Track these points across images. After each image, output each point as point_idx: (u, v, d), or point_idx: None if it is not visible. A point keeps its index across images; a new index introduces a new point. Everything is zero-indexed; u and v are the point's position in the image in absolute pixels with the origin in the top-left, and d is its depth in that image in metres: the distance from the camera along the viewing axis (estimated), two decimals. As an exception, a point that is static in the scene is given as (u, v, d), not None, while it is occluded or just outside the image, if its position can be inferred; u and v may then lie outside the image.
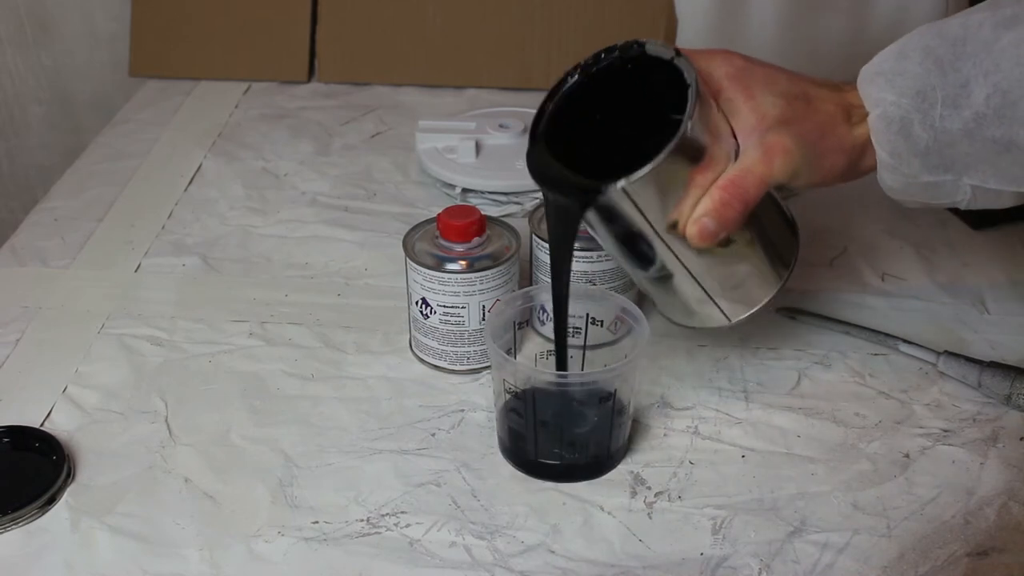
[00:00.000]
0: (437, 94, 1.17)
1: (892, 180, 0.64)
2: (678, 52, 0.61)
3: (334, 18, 1.20)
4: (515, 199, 0.95)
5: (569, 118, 0.64)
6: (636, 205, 0.60)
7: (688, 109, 0.58)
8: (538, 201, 0.93)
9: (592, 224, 0.63)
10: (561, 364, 0.66)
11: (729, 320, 0.68)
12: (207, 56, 1.21)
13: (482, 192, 0.96)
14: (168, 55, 1.22)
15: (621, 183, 0.58)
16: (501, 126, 1.01)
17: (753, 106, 0.61)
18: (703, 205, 0.60)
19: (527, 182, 0.94)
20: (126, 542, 0.62)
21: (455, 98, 1.16)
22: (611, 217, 0.61)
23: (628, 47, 0.63)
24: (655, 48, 0.62)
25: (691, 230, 0.60)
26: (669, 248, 0.63)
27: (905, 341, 0.77)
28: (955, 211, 0.94)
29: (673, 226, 0.61)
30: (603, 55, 0.64)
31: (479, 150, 0.98)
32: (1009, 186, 0.62)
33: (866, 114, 0.63)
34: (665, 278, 0.65)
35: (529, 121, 1.01)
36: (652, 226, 0.61)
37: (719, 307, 0.67)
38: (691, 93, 0.58)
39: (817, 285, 0.85)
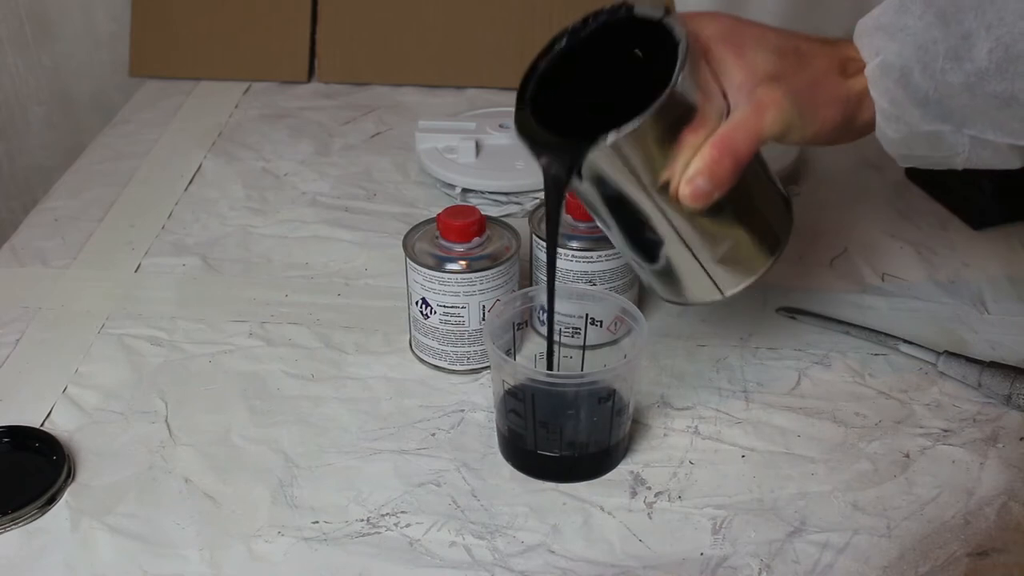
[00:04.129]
0: (437, 94, 1.17)
1: (892, 131, 0.63)
2: (667, 11, 0.59)
3: (334, 18, 1.20)
4: (515, 199, 0.95)
5: (557, 84, 0.63)
6: (626, 163, 0.58)
7: (678, 63, 0.57)
8: (538, 201, 0.93)
9: (584, 192, 0.62)
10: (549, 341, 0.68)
11: (722, 293, 0.66)
12: (207, 56, 1.21)
13: (482, 192, 0.96)
14: (168, 55, 1.22)
15: (610, 138, 0.57)
16: (501, 126, 1.01)
17: (743, 63, 0.60)
18: (695, 164, 0.59)
19: (527, 182, 0.95)
20: (126, 542, 0.62)
21: (455, 98, 1.16)
22: (601, 179, 0.60)
23: (616, 9, 0.62)
24: (643, 10, 0.61)
25: (684, 191, 0.59)
26: (661, 212, 0.61)
27: (905, 341, 0.77)
28: (955, 211, 0.94)
29: (665, 187, 0.60)
30: (591, 19, 0.62)
31: (479, 150, 0.98)
32: (1008, 138, 0.61)
33: (862, 66, 0.62)
34: (656, 248, 0.64)
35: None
36: (643, 186, 0.60)
37: (712, 279, 0.65)
38: (680, 48, 0.57)
39: (817, 285, 0.85)
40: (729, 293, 0.66)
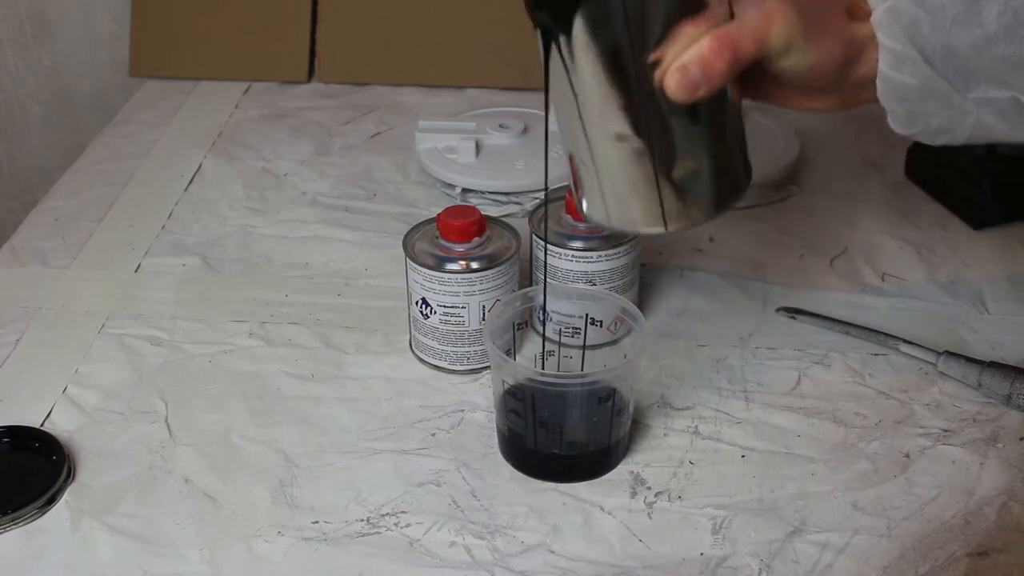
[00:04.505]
0: (437, 94, 1.17)
1: (908, 75, 0.61)
2: None
3: (334, 18, 1.20)
4: (515, 199, 0.95)
5: None
6: (625, 19, 0.56)
7: None
8: (538, 201, 0.93)
9: (568, 49, 0.58)
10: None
11: (665, 224, 0.62)
12: (207, 56, 1.21)
13: (482, 192, 0.96)
14: (168, 55, 1.22)
15: None
16: (501, 126, 1.01)
17: None
18: (691, 51, 0.56)
19: (527, 182, 0.95)
20: (126, 542, 0.62)
21: (455, 98, 1.16)
22: (592, 34, 0.57)
23: None
24: None
25: (671, 77, 0.56)
26: (639, 96, 0.59)
27: (905, 341, 0.77)
28: (955, 211, 0.94)
29: (652, 68, 0.57)
30: None
31: (479, 150, 0.98)
32: (1015, 92, 0.60)
33: (869, 12, 0.61)
34: (617, 144, 0.60)
35: (529, 121, 1.01)
36: (633, 56, 0.57)
37: (661, 201, 0.61)
38: None
39: (817, 285, 0.85)
40: (672, 226, 0.62)
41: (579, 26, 0.57)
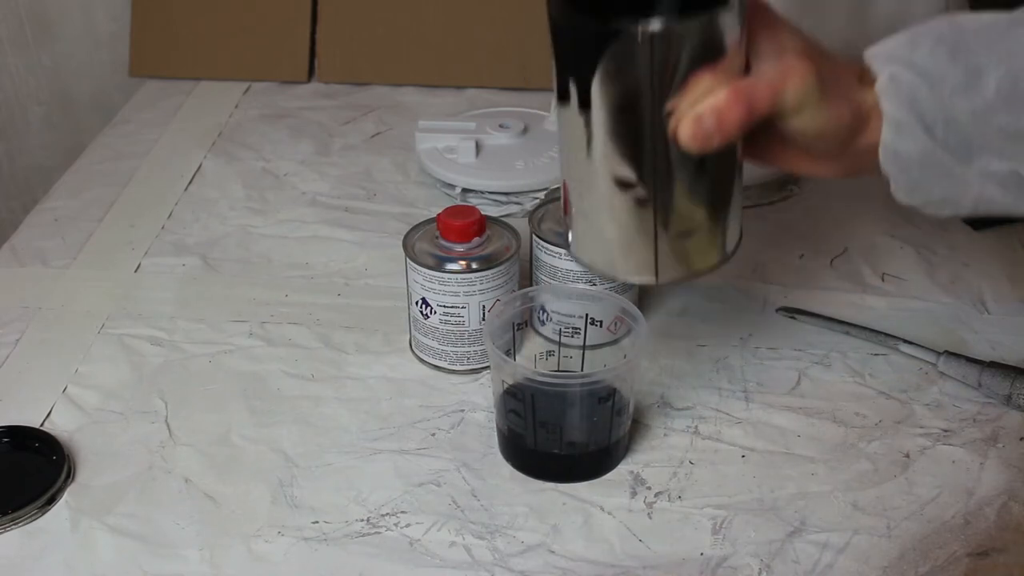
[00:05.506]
0: (437, 94, 1.17)
1: (911, 143, 0.60)
2: None
3: (334, 18, 1.20)
4: (515, 199, 0.95)
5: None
6: (652, 60, 0.55)
7: None
8: (538, 201, 0.93)
9: (585, 83, 0.58)
10: None
11: (656, 277, 0.62)
12: (207, 56, 1.21)
13: (482, 192, 0.96)
14: (168, 55, 1.22)
15: (654, 25, 0.54)
16: (501, 126, 1.01)
17: (772, 36, 0.59)
18: (707, 102, 0.56)
19: (527, 182, 0.95)
20: (126, 542, 0.62)
21: (455, 98, 1.16)
22: (613, 77, 0.56)
23: None
24: None
25: (686, 127, 0.56)
26: (652, 135, 0.57)
27: (905, 341, 0.77)
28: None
29: (666, 119, 0.57)
30: None
31: (479, 150, 0.98)
32: (1015, 164, 0.60)
33: (875, 80, 0.61)
34: (617, 188, 0.60)
35: (529, 121, 1.01)
36: (649, 104, 0.56)
37: (656, 254, 0.61)
38: None
39: (817, 285, 0.85)
40: (663, 279, 0.62)
41: (603, 66, 0.56)
